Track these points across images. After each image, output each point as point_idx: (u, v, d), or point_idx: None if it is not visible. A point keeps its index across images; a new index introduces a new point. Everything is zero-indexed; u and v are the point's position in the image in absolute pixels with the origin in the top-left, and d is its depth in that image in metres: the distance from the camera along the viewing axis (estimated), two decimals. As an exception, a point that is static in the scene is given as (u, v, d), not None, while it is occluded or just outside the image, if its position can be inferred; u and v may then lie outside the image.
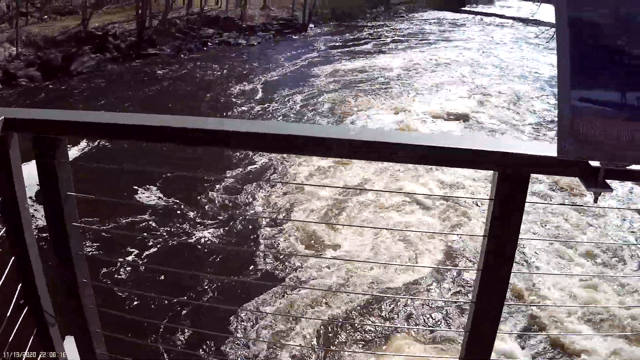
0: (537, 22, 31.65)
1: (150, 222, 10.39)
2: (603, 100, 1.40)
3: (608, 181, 1.49)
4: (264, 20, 30.31)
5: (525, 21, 35.31)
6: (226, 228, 10.39)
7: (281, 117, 16.53)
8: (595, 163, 1.49)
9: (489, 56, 28.20)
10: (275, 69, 22.48)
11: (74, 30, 21.94)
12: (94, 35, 21.76)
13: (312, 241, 10.08)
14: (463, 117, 17.51)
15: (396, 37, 32.80)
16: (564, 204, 11.60)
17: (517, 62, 26.61)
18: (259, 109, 17.47)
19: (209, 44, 25.46)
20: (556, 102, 1.51)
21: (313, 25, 33.05)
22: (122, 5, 25.35)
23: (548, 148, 1.59)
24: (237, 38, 26.91)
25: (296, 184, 12.43)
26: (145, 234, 10.04)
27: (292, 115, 16.94)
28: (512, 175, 1.67)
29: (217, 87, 19.47)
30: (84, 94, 18.13)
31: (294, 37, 30.16)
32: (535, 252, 9.81)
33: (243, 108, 17.36)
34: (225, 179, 12.30)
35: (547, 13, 30.66)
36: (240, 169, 12.90)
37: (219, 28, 26.56)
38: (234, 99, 18.29)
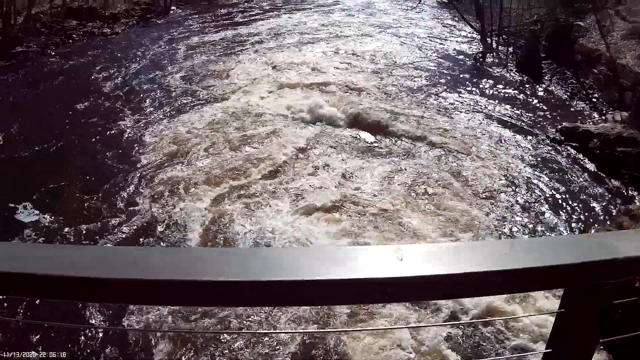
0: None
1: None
2: None
3: None
4: (126, 6, 29.59)
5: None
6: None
7: (160, 103, 16.27)
8: None
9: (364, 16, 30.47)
10: (143, 55, 22.29)
11: None
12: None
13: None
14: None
15: (268, 7, 33.68)
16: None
17: (393, 22, 28.95)
18: (135, 100, 16.97)
19: (74, 36, 24.66)
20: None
21: (175, 7, 32.96)
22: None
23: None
24: (101, 28, 26.09)
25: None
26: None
27: (173, 99, 16.90)
28: (600, 287, 1.30)
29: (91, 82, 18.81)
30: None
31: (157, 21, 29.55)
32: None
33: (115, 103, 16.99)
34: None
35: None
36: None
37: (82, 19, 25.95)
38: (106, 93, 17.83)
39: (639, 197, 10.86)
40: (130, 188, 11.70)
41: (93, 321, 7.83)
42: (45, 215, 10.62)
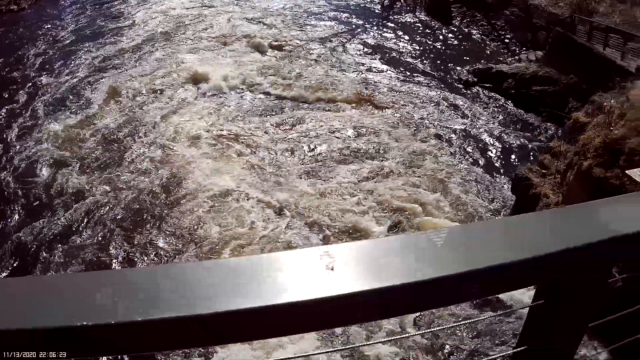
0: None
1: None
2: None
3: None
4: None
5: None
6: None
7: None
8: None
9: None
10: (51, 27, 21.26)
11: None
12: None
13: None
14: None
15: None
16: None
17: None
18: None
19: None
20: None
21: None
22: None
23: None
24: (8, 5, 23.80)
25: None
26: None
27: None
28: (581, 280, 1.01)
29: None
30: None
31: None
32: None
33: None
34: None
35: None
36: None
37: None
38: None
39: (560, 133, 10.40)
40: None
41: None
42: None
